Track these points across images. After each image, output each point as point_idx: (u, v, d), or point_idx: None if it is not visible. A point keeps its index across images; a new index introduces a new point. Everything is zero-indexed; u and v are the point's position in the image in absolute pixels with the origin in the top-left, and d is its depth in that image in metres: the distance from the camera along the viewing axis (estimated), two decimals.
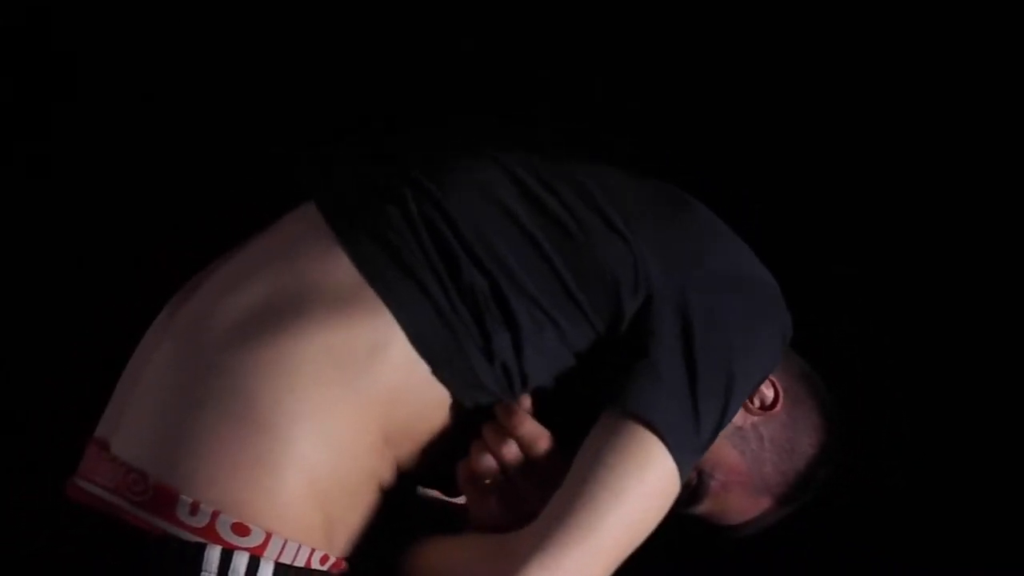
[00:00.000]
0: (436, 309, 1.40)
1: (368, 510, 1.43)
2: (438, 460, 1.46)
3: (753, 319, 1.48)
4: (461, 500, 1.52)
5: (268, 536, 1.33)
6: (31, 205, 2.34)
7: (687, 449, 1.42)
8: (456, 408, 1.43)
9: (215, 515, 1.32)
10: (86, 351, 2.31)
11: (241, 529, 1.32)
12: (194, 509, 1.32)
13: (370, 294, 1.40)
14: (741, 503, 1.62)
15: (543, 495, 1.42)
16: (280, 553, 1.33)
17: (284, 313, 1.39)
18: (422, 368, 1.40)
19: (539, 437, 1.44)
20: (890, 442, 2.11)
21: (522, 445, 1.43)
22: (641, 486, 1.39)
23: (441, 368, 1.40)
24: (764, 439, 1.58)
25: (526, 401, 1.45)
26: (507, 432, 1.44)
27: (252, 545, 1.32)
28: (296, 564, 1.34)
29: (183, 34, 2.33)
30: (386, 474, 1.43)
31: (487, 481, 1.44)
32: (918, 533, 2.12)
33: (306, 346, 1.36)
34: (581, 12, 2.29)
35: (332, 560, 1.39)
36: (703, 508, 1.60)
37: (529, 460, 1.44)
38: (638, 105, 2.27)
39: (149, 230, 2.35)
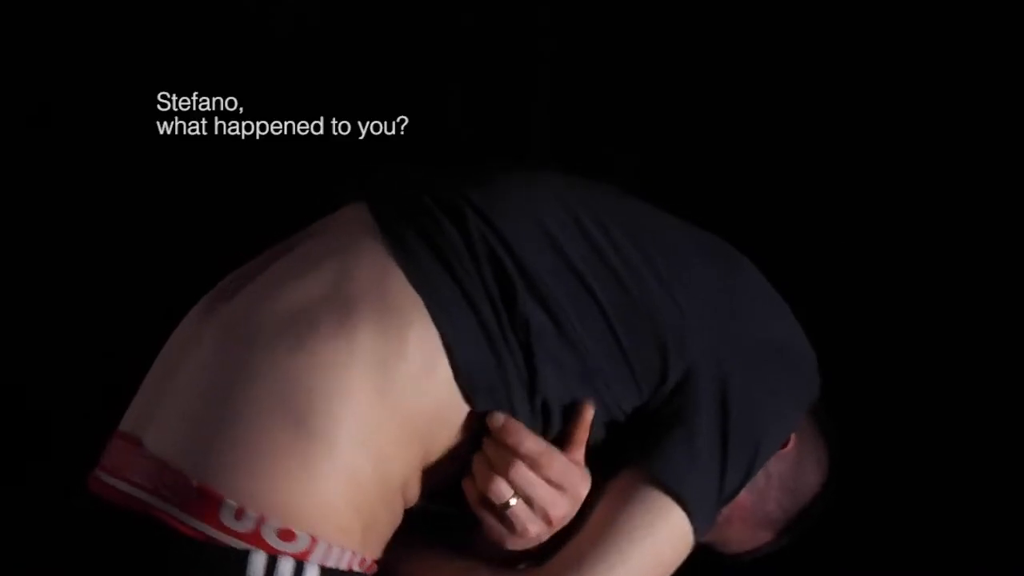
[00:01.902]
0: (487, 336, 1.40)
1: (395, 520, 1.43)
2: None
3: (788, 391, 1.52)
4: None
5: (313, 541, 1.32)
6: (30, 204, 2.32)
7: (708, 520, 1.46)
8: None
9: (261, 520, 1.31)
10: (87, 351, 2.30)
11: (287, 535, 1.31)
12: (239, 514, 1.31)
13: (423, 309, 1.39)
14: (741, 535, 1.65)
15: (557, 517, 1.43)
16: (325, 557, 1.33)
17: (336, 319, 1.37)
18: (465, 392, 1.40)
19: (543, 453, 1.42)
20: (889, 449, 2.12)
21: (530, 464, 1.41)
22: (660, 556, 1.44)
23: (480, 395, 1.40)
24: (772, 476, 1.60)
25: (589, 412, 1.45)
26: (511, 452, 1.41)
27: (297, 551, 1.32)
28: (340, 567, 1.34)
29: (182, 32, 2.31)
30: (415, 487, 1.43)
31: (498, 504, 1.42)
32: (918, 533, 2.13)
33: (359, 354, 1.36)
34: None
35: (368, 563, 1.39)
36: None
37: (540, 479, 1.42)
38: (638, 100, 2.28)
39: (146, 229, 2.34)
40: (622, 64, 2.30)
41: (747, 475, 1.47)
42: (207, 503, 1.31)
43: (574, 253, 1.45)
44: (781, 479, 1.60)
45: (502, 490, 1.41)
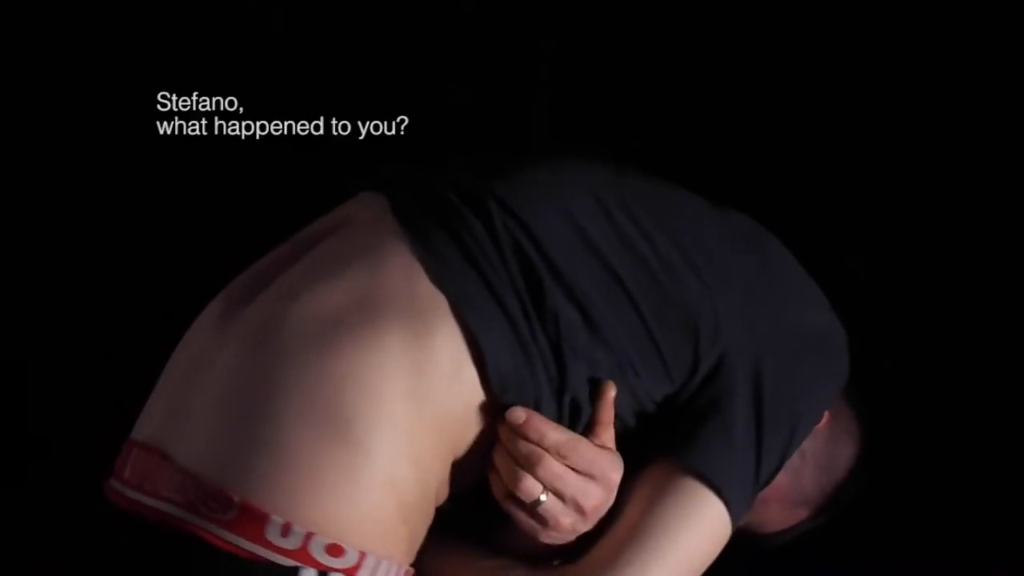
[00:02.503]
0: (515, 333, 1.38)
1: (429, 523, 1.42)
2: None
3: (820, 375, 1.51)
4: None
5: (362, 556, 1.31)
6: (30, 204, 2.31)
7: (745, 507, 1.45)
8: None
9: (309, 536, 1.29)
10: (87, 351, 2.29)
11: (335, 550, 1.30)
12: (286, 530, 1.29)
13: (450, 309, 1.37)
14: (778, 516, 1.65)
15: (590, 507, 1.41)
16: (374, 573, 1.32)
17: (366, 323, 1.35)
18: (494, 391, 1.38)
19: (567, 442, 1.39)
20: (898, 444, 2.12)
21: (556, 455, 1.38)
22: (697, 547, 1.43)
23: (509, 394, 1.38)
24: (806, 454, 1.60)
25: (611, 389, 1.42)
26: (536, 445, 1.38)
27: (346, 566, 1.30)
28: None
29: (182, 32, 2.31)
30: (445, 488, 1.42)
31: (528, 502, 1.39)
32: (918, 533, 2.14)
33: (390, 360, 1.33)
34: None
35: (411, 574, 1.39)
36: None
37: (568, 469, 1.39)
38: (639, 100, 2.29)
39: (146, 229, 2.33)
40: (622, 64, 2.30)
41: (783, 459, 1.46)
42: (251, 520, 1.29)
43: (601, 242, 1.43)
44: (816, 457, 1.60)
45: (531, 488, 1.37)
